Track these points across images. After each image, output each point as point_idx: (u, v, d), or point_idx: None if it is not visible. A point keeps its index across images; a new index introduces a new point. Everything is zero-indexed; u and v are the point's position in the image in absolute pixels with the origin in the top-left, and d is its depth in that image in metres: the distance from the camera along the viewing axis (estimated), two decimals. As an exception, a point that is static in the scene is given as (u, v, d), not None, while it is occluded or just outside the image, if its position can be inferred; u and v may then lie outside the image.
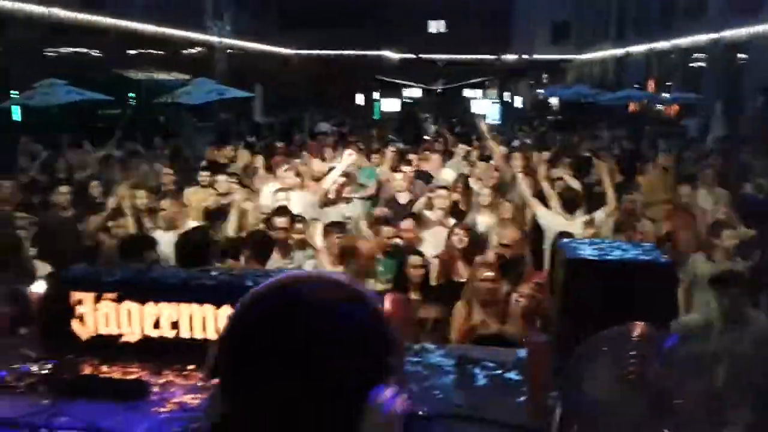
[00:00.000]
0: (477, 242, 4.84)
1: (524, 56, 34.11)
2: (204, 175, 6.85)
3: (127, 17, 20.17)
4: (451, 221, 5.42)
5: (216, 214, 5.38)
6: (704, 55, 22.65)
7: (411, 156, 8.42)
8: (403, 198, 6.41)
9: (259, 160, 8.49)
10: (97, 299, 2.37)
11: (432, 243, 5.10)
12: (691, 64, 24.26)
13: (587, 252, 2.12)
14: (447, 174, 7.83)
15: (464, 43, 34.96)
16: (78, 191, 6.15)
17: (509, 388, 2.17)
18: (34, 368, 2.24)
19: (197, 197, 6.32)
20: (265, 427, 0.72)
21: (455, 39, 36.10)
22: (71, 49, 19.65)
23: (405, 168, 7.10)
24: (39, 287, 2.48)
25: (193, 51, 26.23)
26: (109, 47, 20.16)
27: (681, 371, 1.62)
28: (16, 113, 16.15)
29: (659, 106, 24.54)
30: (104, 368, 2.28)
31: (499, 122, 21.24)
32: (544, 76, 36.53)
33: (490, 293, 3.55)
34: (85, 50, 20.02)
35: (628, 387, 1.64)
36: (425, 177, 7.52)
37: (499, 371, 2.25)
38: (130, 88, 20.45)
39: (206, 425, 0.76)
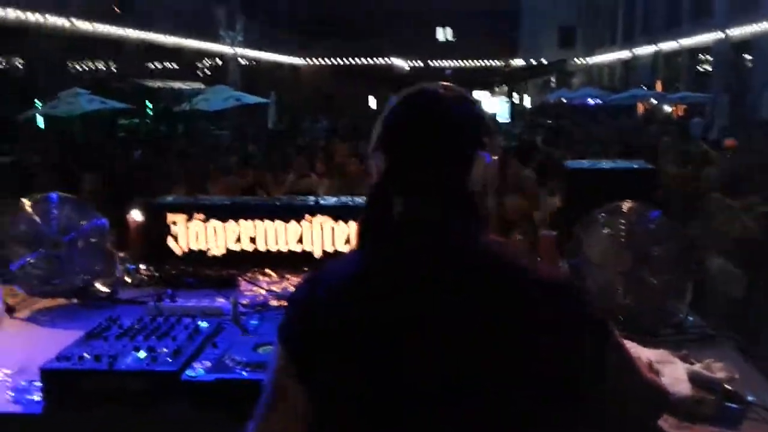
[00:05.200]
0: None
1: (532, 61, 34.64)
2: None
3: (144, 29, 20.82)
4: None
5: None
6: (710, 57, 23.14)
7: None
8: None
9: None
10: (188, 219, 2.91)
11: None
12: (698, 67, 24.73)
13: (584, 164, 2.69)
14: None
15: (472, 49, 35.55)
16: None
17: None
18: (144, 271, 2.78)
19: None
20: (411, 174, 1.13)
21: (463, 46, 36.73)
22: (92, 61, 20.32)
23: None
24: (136, 215, 3.01)
25: (208, 62, 26.91)
26: (128, 58, 20.84)
27: (660, 230, 2.13)
28: (40, 122, 16.79)
29: (668, 108, 24.92)
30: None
31: (509, 121, 21.79)
32: (552, 80, 37.01)
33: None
34: (105, 61, 20.68)
35: (618, 246, 2.16)
36: None
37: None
38: (149, 97, 21.16)
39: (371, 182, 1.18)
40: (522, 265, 1.12)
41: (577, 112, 25.52)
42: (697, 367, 1.68)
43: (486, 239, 1.14)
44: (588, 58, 35.51)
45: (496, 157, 1.17)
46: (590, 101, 25.41)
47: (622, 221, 2.17)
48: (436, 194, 1.12)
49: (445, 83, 1.21)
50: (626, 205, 2.19)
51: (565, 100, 28.16)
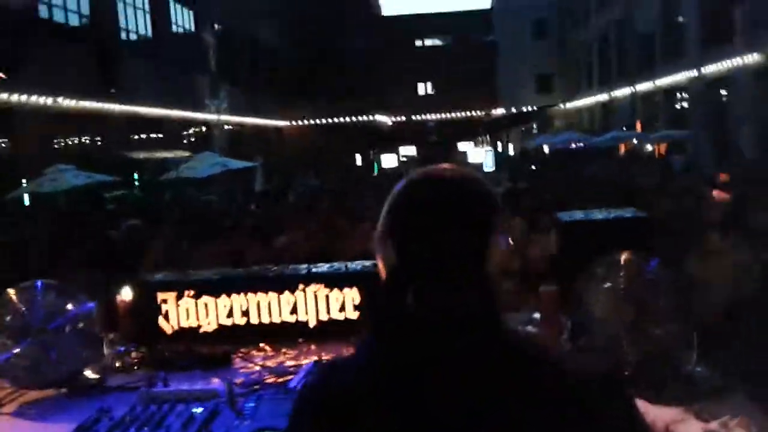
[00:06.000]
0: None
1: (512, 110, 35.21)
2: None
3: (130, 103, 21.00)
4: None
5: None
6: (686, 95, 23.57)
7: None
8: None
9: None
10: (179, 297, 2.85)
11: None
12: (676, 105, 25.17)
13: (577, 216, 2.66)
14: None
15: (453, 101, 36.18)
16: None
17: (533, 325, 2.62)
18: (134, 354, 2.70)
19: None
20: (425, 261, 1.06)
21: (444, 99, 37.37)
22: (77, 136, 20.41)
23: None
24: (126, 294, 2.94)
25: (192, 130, 27.16)
26: (113, 132, 20.95)
27: (660, 279, 2.09)
28: (25, 200, 16.69)
29: (649, 147, 25.24)
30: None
31: (494, 169, 21.99)
32: (534, 127, 37.55)
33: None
34: (89, 136, 20.78)
35: (619, 299, 2.11)
36: None
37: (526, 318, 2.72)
38: (135, 169, 21.20)
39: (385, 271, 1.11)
40: (543, 351, 1.08)
41: (560, 155, 25.79)
42: (714, 425, 1.62)
43: (507, 326, 1.08)
44: (567, 103, 36.16)
45: (510, 240, 1.12)
46: (573, 145, 25.70)
47: (621, 273, 2.14)
48: (454, 283, 1.06)
49: (448, 165, 1.17)
50: (624, 257, 2.16)
51: (547, 146, 28.47)
